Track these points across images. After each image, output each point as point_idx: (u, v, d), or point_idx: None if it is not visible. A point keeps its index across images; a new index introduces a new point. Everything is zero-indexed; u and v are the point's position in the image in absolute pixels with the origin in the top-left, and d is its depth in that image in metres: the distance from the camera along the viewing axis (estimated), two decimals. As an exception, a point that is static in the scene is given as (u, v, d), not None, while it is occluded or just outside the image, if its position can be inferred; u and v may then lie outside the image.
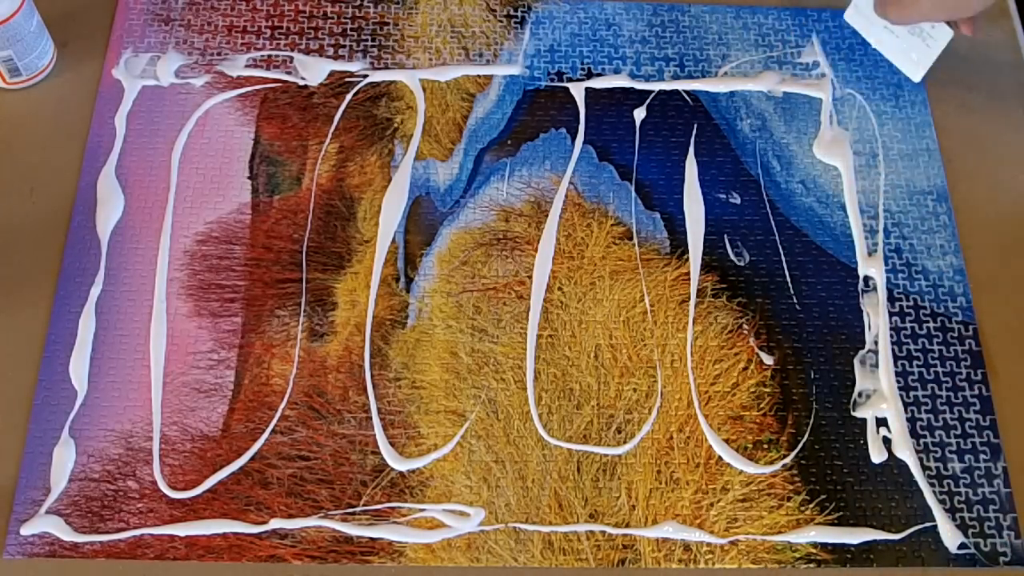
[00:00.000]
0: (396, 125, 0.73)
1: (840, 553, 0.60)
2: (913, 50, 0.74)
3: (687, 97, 0.74)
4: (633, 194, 0.70)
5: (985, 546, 0.60)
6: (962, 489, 0.62)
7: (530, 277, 0.67)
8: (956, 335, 0.66)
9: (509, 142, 0.72)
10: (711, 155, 0.72)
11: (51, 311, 0.65)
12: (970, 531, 0.60)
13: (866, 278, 0.68)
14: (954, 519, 0.61)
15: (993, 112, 0.75)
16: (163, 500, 0.60)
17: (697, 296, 0.67)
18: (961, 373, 0.65)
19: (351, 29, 0.76)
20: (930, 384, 0.65)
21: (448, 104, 0.74)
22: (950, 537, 0.60)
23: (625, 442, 0.62)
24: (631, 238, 0.69)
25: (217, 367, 0.64)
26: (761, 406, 0.64)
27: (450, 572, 0.59)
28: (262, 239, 0.68)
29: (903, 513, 0.61)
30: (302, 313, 0.66)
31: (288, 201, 0.70)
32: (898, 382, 0.65)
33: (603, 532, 0.60)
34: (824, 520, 0.61)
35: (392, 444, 0.62)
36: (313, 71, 0.74)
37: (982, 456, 0.63)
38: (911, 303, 0.67)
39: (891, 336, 0.66)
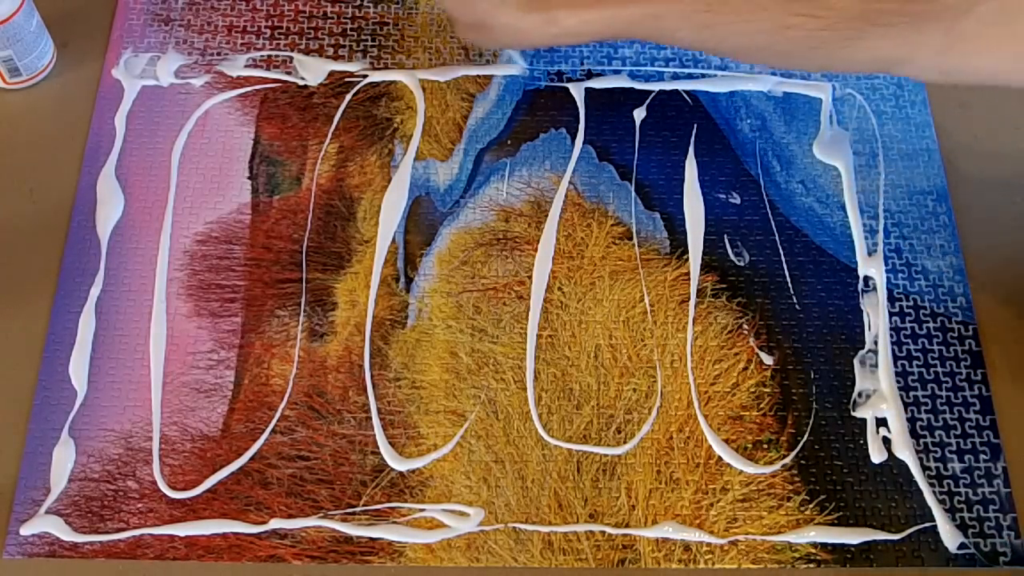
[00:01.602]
0: (396, 125, 0.73)
1: (840, 553, 0.60)
2: None
3: (687, 97, 0.74)
4: (633, 194, 0.70)
5: (985, 546, 0.60)
6: (962, 489, 0.62)
7: (530, 277, 0.67)
8: (956, 335, 0.66)
9: (509, 142, 0.72)
10: (711, 155, 0.72)
11: (51, 311, 0.65)
12: (970, 531, 0.60)
13: (866, 278, 0.68)
14: (954, 519, 0.61)
15: (993, 112, 0.75)
16: (163, 500, 0.60)
17: (697, 296, 0.67)
18: (961, 373, 0.65)
19: (351, 29, 0.76)
20: (930, 384, 0.65)
21: (448, 104, 0.74)
22: (950, 537, 0.60)
23: (625, 442, 0.62)
24: (631, 238, 0.69)
25: (217, 367, 0.64)
26: (761, 406, 0.64)
27: (450, 572, 0.59)
28: (262, 239, 0.68)
29: (903, 513, 0.61)
30: (302, 313, 0.66)
31: (288, 201, 0.70)
32: (898, 382, 0.65)
33: (603, 532, 0.60)
34: (824, 520, 0.61)
35: (392, 444, 0.62)
36: (313, 71, 0.74)
37: (982, 456, 0.63)
38: (911, 303, 0.67)
39: (891, 336, 0.66)
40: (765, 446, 0.63)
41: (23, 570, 0.58)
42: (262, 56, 0.75)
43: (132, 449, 0.61)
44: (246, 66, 0.74)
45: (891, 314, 0.67)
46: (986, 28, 0.52)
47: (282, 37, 0.76)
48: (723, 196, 0.71)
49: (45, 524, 0.59)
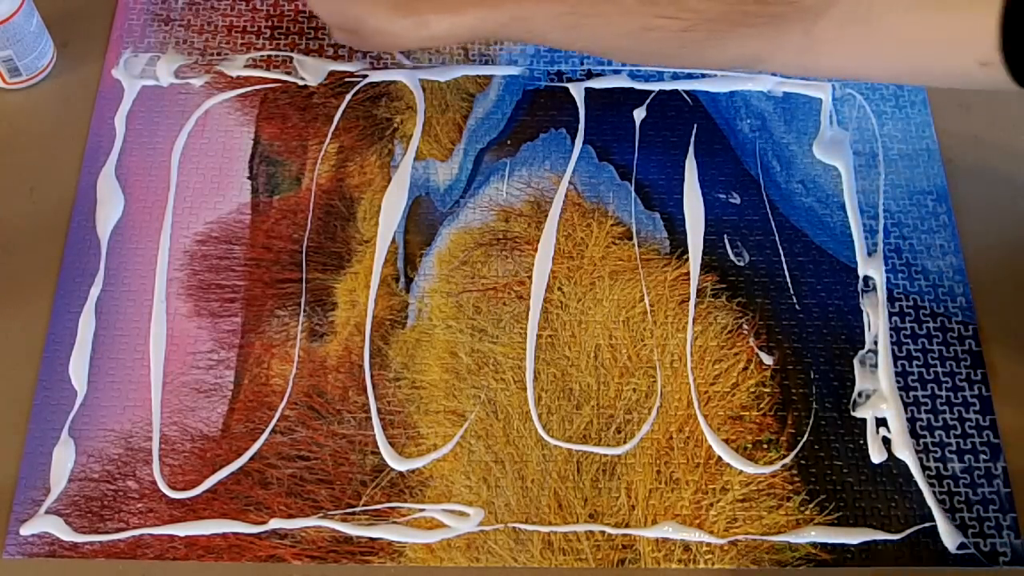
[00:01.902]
0: (396, 125, 0.73)
1: (840, 553, 0.60)
2: None
3: (687, 97, 0.74)
4: (633, 194, 0.70)
5: (985, 546, 0.60)
6: (962, 489, 0.62)
7: (530, 277, 0.67)
8: (956, 335, 0.66)
9: (509, 142, 0.72)
10: (711, 155, 0.72)
11: (51, 311, 0.65)
12: (970, 531, 0.60)
13: (866, 278, 0.68)
14: (954, 519, 0.61)
15: (993, 112, 0.75)
16: (163, 500, 0.60)
17: (697, 296, 0.67)
18: (961, 373, 0.65)
19: (351, 29, 0.76)
20: (930, 384, 0.65)
21: (448, 104, 0.74)
22: (950, 537, 0.60)
23: (625, 442, 0.62)
24: (631, 238, 0.69)
25: (217, 367, 0.64)
26: (761, 406, 0.64)
27: (450, 572, 0.59)
28: (262, 239, 0.68)
29: (903, 513, 0.61)
30: (302, 313, 0.66)
31: (288, 201, 0.70)
32: (898, 382, 0.65)
33: (603, 532, 0.60)
34: (824, 520, 0.61)
35: (392, 444, 0.62)
36: (313, 71, 0.74)
37: (982, 456, 0.63)
38: (911, 303, 0.67)
39: (891, 336, 0.66)
40: (765, 446, 0.63)
41: (23, 570, 0.58)
42: (262, 56, 0.75)
43: (132, 449, 0.61)
44: (246, 66, 0.74)
45: (891, 314, 0.67)
46: (842, 29, 0.54)
47: (282, 37, 0.75)
48: (723, 196, 0.71)
49: (45, 524, 0.59)
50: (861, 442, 0.63)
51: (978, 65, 0.51)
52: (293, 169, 0.71)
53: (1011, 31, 0.49)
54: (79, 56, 0.74)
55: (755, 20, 0.55)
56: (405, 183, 0.70)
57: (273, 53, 0.75)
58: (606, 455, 0.62)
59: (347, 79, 0.74)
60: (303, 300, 0.66)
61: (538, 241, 0.68)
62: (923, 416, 0.64)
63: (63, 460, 0.61)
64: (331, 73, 0.74)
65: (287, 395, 0.63)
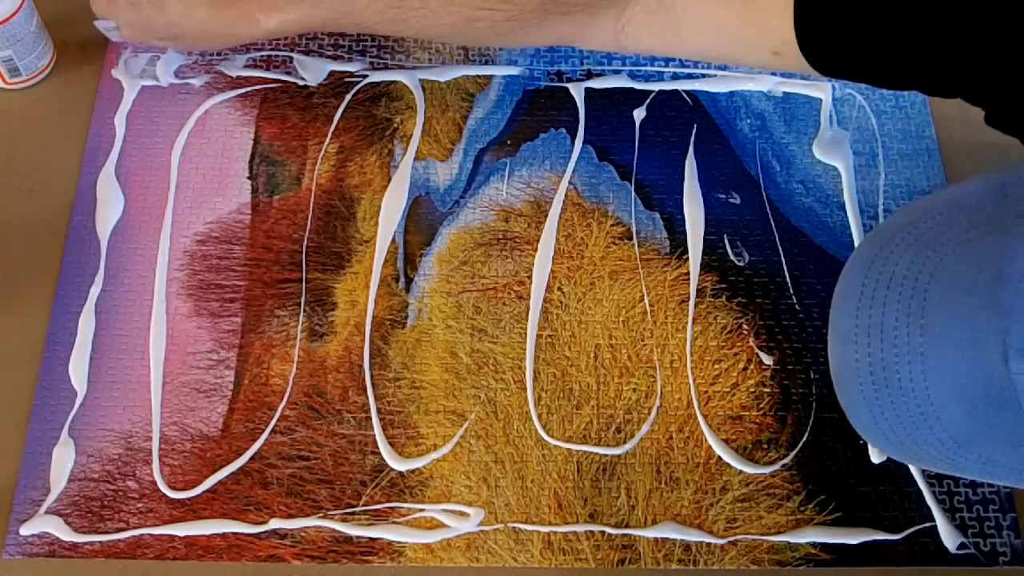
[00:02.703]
0: (396, 125, 0.73)
1: (840, 553, 0.60)
2: None
3: (687, 97, 0.74)
4: (633, 194, 0.70)
5: (985, 546, 0.60)
6: (962, 489, 0.62)
7: (530, 277, 0.67)
8: (956, 335, 0.66)
9: (509, 142, 0.72)
10: (711, 155, 0.72)
11: (51, 311, 0.65)
12: (970, 531, 0.60)
13: (866, 278, 0.68)
14: (953, 519, 0.61)
15: (993, 112, 0.75)
16: (163, 500, 0.60)
17: (697, 296, 0.67)
18: (961, 373, 0.65)
19: (351, 29, 0.76)
20: (930, 384, 0.65)
21: (448, 104, 0.74)
22: (950, 537, 0.60)
23: (625, 442, 0.62)
24: (631, 238, 0.69)
25: (217, 367, 0.64)
26: (761, 406, 0.64)
27: (450, 572, 0.59)
28: (262, 239, 0.68)
29: (903, 513, 0.61)
30: (302, 313, 0.66)
31: (288, 201, 0.70)
32: (898, 382, 0.64)
33: (602, 532, 0.60)
34: (823, 520, 0.61)
35: (392, 444, 0.62)
36: (313, 71, 0.74)
37: (982, 456, 0.63)
38: (911, 303, 0.67)
39: (891, 336, 0.66)
40: (765, 446, 0.63)
41: (23, 570, 0.58)
42: (262, 56, 0.75)
43: (132, 449, 0.61)
44: (246, 66, 0.74)
45: (891, 314, 0.67)
46: (649, 15, 0.60)
47: (282, 37, 0.75)
48: (723, 196, 0.71)
49: (45, 524, 0.59)
50: (861, 442, 0.63)
51: (771, 54, 0.57)
52: (293, 169, 0.71)
53: (803, 25, 0.54)
54: (79, 56, 0.74)
55: (570, 8, 0.61)
56: (405, 183, 0.70)
57: (273, 53, 0.75)
58: (606, 455, 0.62)
59: (347, 79, 0.74)
60: (303, 300, 0.66)
61: (538, 241, 0.68)
62: (923, 416, 0.64)
63: (63, 460, 0.61)
64: (331, 73, 0.74)
65: (287, 395, 0.63)
